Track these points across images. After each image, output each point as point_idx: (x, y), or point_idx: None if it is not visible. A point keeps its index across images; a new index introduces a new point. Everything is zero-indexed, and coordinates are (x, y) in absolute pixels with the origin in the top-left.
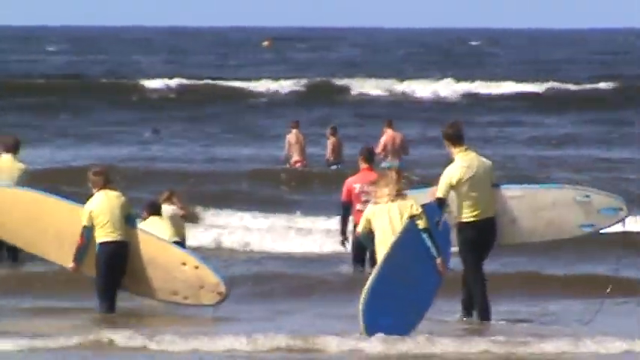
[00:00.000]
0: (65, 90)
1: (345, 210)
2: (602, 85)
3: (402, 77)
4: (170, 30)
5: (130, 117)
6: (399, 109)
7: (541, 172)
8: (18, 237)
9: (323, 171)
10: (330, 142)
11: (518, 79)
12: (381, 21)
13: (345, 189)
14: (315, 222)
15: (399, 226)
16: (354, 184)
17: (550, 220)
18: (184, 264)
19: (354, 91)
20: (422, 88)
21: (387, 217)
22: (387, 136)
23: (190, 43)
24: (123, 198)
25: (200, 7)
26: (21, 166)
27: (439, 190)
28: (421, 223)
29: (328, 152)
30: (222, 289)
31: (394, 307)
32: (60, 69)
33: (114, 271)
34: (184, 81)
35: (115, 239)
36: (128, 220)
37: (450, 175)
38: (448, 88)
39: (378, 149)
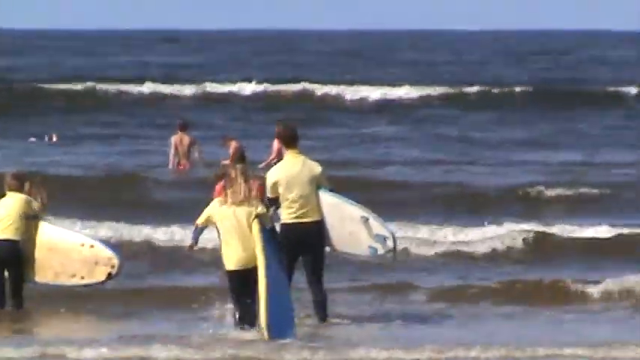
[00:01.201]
0: None
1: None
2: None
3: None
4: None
5: None
6: None
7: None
8: None
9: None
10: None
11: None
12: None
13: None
14: None
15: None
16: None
17: (351, 233)
18: (82, 245)
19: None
20: None
21: (233, 219)
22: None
23: None
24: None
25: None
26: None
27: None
28: (267, 222)
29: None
30: (116, 262)
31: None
32: None
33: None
34: None
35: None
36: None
37: (270, 176)
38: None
39: (273, 155)
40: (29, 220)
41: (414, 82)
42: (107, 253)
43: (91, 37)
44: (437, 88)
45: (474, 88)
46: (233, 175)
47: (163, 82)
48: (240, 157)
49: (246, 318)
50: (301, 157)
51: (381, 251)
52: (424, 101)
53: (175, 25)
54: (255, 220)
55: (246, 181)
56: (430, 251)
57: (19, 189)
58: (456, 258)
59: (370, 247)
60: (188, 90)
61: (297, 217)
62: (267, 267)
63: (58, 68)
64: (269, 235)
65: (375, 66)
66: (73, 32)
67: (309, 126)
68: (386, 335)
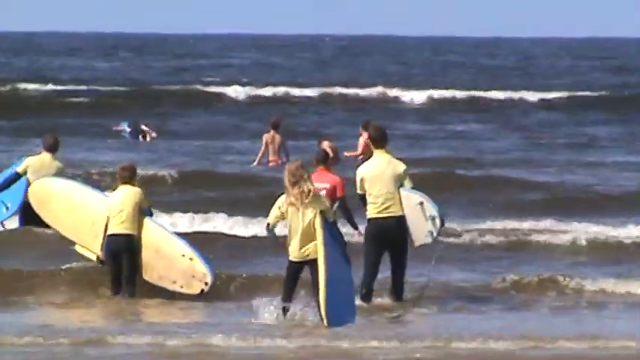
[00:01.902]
0: None
1: None
2: None
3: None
4: None
5: None
6: None
7: None
8: (60, 225)
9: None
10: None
11: None
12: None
13: None
14: None
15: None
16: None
17: (423, 225)
18: (183, 255)
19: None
20: None
21: (299, 219)
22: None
23: None
24: (137, 191)
25: None
26: (58, 164)
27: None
28: (331, 216)
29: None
30: (209, 279)
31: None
32: None
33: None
34: None
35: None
36: (142, 212)
37: (358, 173)
38: None
39: (359, 150)
40: (141, 214)
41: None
42: (202, 268)
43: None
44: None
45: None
46: (297, 175)
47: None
48: (323, 158)
49: (288, 304)
50: (387, 156)
51: (434, 233)
52: None
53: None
54: (319, 216)
55: (308, 179)
56: None
57: (131, 181)
58: None
59: (428, 232)
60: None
61: (379, 212)
62: (327, 258)
63: None
64: (331, 229)
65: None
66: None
67: None
68: None
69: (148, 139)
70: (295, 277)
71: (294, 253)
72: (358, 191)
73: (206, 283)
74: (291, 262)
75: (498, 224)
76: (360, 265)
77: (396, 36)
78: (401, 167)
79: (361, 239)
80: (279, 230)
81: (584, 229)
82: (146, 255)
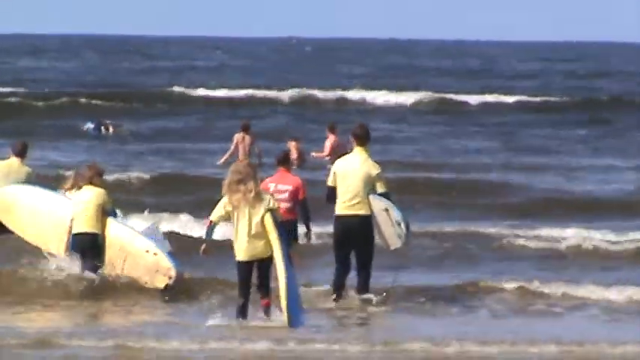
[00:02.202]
0: None
1: None
2: None
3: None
4: None
5: None
6: None
7: None
8: (24, 231)
9: None
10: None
11: None
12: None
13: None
14: None
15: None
16: (270, 183)
17: (381, 227)
18: (147, 251)
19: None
20: None
21: (246, 217)
22: (333, 140)
23: None
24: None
25: None
26: (27, 169)
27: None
28: (278, 217)
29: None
30: (173, 273)
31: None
32: None
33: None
34: None
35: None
36: (106, 212)
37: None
38: None
39: (325, 152)
40: (104, 214)
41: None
42: (167, 263)
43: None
44: None
45: None
46: (244, 172)
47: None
48: (283, 159)
49: (245, 307)
50: (365, 156)
51: (403, 237)
52: None
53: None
54: (268, 214)
55: (254, 178)
56: None
57: (95, 182)
58: None
59: (397, 235)
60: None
61: (345, 209)
62: (284, 257)
63: None
64: (280, 228)
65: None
66: None
67: None
68: None
69: (110, 130)
70: (248, 277)
71: (242, 253)
72: (328, 183)
73: (170, 277)
74: (241, 263)
75: (467, 227)
76: (321, 263)
77: (362, 38)
78: (374, 170)
79: (310, 242)
80: (218, 231)
81: (558, 234)
82: (111, 253)
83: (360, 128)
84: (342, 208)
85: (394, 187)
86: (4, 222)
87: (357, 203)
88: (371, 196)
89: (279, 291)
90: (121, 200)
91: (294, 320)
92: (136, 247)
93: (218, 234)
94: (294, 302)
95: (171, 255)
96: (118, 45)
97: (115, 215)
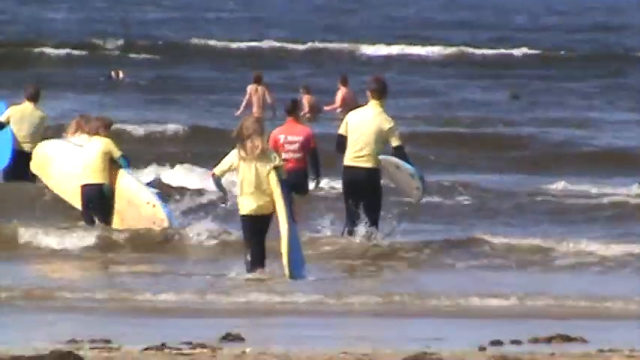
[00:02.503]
0: None
1: None
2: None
3: None
4: None
5: None
6: None
7: None
8: (57, 188)
9: None
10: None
11: None
12: None
13: (271, 139)
14: None
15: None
16: (279, 134)
17: (406, 184)
18: (147, 203)
19: None
20: None
21: (252, 173)
22: (344, 92)
23: None
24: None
25: None
26: (41, 113)
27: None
28: (283, 174)
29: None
30: (165, 225)
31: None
32: None
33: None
34: None
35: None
36: (115, 162)
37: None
38: None
39: (336, 104)
40: (114, 164)
41: None
42: (161, 214)
43: None
44: None
45: None
46: (251, 128)
47: None
48: (291, 108)
49: (257, 260)
50: (379, 110)
51: (421, 188)
52: None
53: None
54: (273, 172)
55: (260, 135)
56: None
57: (102, 132)
58: None
59: (415, 188)
60: None
61: (351, 159)
62: (287, 213)
63: None
64: (283, 186)
65: None
66: None
67: None
68: None
69: (121, 76)
70: (253, 230)
71: (247, 207)
72: (340, 131)
73: (162, 228)
74: (245, 217)
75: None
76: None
77: None
78: (387, 124)
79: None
80: (225, 182)
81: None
82: (119, 205)
83: (376, 82)
84: (349, 159)
85: (408, 140)
86: (41, 178)
87: (365, 155)
88: (380, 157)
89: (281, 247)
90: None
91: (295, 274)
92: (140, 198)
93: None
94: (295, 257)
95: (167, 207)
96: None
97: (127, 165)
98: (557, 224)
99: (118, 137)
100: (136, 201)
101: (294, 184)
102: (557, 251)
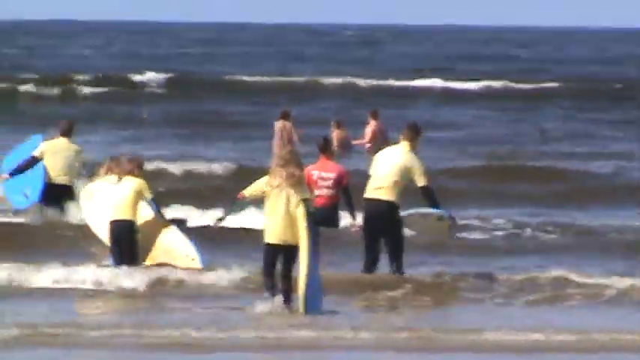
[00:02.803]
0: None
1: None
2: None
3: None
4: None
5: None
6: None
7: None
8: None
9: None
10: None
11: None
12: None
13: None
14: None
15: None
16: (313, 170)
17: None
18: (187, 256)
19: None
20: None
21: (283, 199)
22: (374, 125)
23: None
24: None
25: None
26: (76, 147)
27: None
28: (311, 207)
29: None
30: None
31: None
32: None
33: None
34: None
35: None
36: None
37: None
38: None
39: (366, 139)
40: (147, 204)
41: None
42: (198, 265)
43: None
44: None
45: None
46: (287, 158)
47: None
48: (323, 146)
49: (274, 290)
50: (406, 148)
51: (450, 227)
52: None
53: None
54: (301, 204)
55: (298, 165)
56: None
57: (137, 174)
58: None
59: (447, 229)
60: None
61: (369, 192)
62: (310, 246)
63: None
64: (310, 219)
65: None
66: None
67: None
68: None
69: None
70: (274, 261)
71: (273, 235)
72: (370, 171)
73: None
74: (269, 246)
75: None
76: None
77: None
78: (413, 162)
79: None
80: (247, 207)
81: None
82: (155, 252)
83: (408, 126)
84: (368, 192)
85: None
86: (84, 211)
87: (382, 188)
88: (404, 214)
89: (299, 281)
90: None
91: (309, 307)
92: (180, 251)
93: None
94: (312, 292)
95: (204, 260)
96: (142, 30)
97: (156, 207)
98: None
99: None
100: (175, 253)
101: (325, 217)
102: None
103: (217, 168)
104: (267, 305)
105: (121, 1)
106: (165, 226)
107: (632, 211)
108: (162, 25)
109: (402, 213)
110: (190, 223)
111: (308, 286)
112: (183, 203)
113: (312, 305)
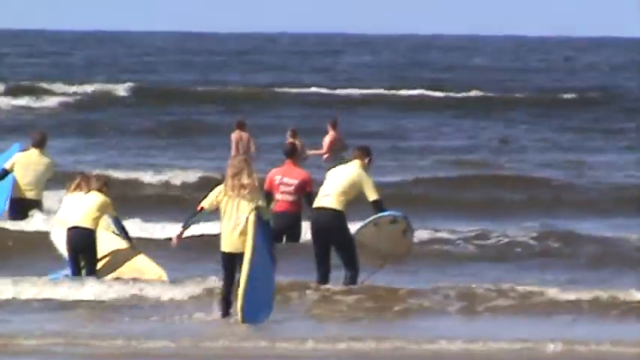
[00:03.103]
0: None
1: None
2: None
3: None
4: None
5: None
6: None
7: None
8: None
9: None
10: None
11: None
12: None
13: (267, 179)
14: None
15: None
16: (276, 175)
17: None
18: (156, 274)
19: None
20: None
21: (234, 208)
22: (332, 136)
23: None
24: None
25: None
26: (47, 160)
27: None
28: (265, 215)
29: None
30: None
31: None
32: None
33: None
34: None
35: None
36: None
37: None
38: None
39: (325, 149)
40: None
41: None
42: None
43: None
44: None
45: None
46: (239, 167)
47: None
48: (289, 151)
49: (230, 296)
50: (357, 165)
51: (408, 232)
52: None
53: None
54: (253, 212)
55: (249, 174)
56: None
57: (104, 191)
58: None
59: (402, 233)
60: None
61: (316, 203)
62: (253, 254)
63: None
64: (264, 227)
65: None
66: None
67: None
68: None
69: None
70: (232, 269)
71: (228, 244)
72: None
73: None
74: (225, 254)
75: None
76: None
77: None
78: (363, 177)
79: None
80: (205, 218)
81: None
82: (122, 270)
83: (359, 148)
84: (316, 201)
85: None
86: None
87: (330, 196)
88: (355, 230)
89: (239, 289)
90: None
91: (247, 318)
92: (151, 272)
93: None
94: (251, 299)
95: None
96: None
97: (120, 225)
98: None
99: None
100: (145, 270)
101: (286, 227)
102: None
103: (179, 178)
104: (210, 314)
105: (82, 11)
106: (137, 254)
107: (598, 222)
108: (122, 34)
109: (354, 228)
110: (154, 235)
111: (246, 295)
112: (144, 214)
113: (252, 315)
